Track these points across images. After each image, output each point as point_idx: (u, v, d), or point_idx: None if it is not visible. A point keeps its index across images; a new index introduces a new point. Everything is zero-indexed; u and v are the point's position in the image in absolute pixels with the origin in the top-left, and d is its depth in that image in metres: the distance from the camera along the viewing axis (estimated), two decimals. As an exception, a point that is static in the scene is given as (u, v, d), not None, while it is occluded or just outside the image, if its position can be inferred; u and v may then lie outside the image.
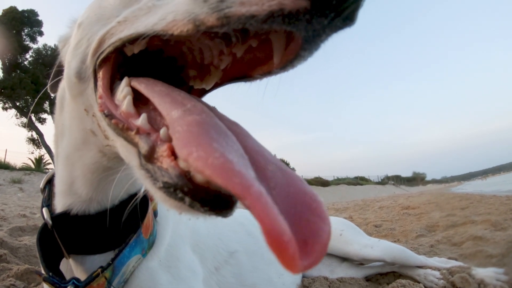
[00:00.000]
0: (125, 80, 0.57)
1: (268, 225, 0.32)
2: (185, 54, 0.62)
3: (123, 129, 0.52)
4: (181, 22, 0.43)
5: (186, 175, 0.40)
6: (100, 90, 0.60)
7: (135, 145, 0.49)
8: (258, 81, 0.58)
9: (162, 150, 0.44)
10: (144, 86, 0.54)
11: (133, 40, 0.54)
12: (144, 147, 0.46)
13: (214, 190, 0.39)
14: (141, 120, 0.50)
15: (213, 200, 0.40)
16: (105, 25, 0.62)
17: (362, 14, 0.41)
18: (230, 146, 0.40)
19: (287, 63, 0.49)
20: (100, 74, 0.62)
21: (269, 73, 0.55)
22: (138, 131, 0.49)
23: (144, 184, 0.46)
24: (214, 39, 0.51)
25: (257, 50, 0.52)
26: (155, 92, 0.52)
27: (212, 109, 0.54)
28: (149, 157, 0.45)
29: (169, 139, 0.44)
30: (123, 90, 0.56)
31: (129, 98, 0.54)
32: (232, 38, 0.48)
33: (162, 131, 0.46)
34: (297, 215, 0.37)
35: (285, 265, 0.32)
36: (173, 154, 0.42)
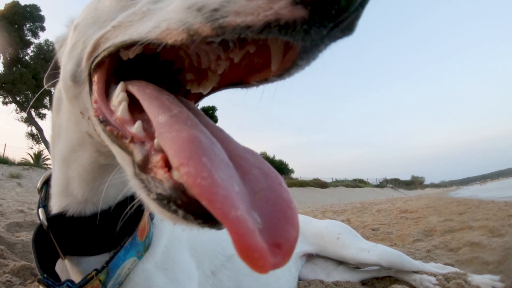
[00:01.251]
0: (120, 85, 0.56)
1: (240, 246, 0.35)
2: (182, 58, 0.62)
3: (117, 137, 0.51)
4: (175, 32, 0.42)
5: (179, 188, 0.40)
6: (95, 94, 0.60)
7: (129, 153, 0.49)
8: (254, 87, 0.58)
9: (156, 160, 0.44)
10: (136, 88, 0.54)
11: (127, 46, 0.53)
12: (138, 156, 0.46)
13: None
14: (136, 128, 0.49)
15: (207, 213, 0.39)
16: (101, 28, 0.61)
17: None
18: (217, 156, 0.41)
19: (284, 71, 0.49)
20: (95, 78, 0.61)
21: (266, 80, 0.54)
22: (133, 139, 0.49)
23: (139, 193, 0.46)
24: (211, 44, 0.51)
25: (255, 55, 0.52)
26: (145, 94, 0.52)
27: (199, 116, 0.54)
28: (143, 166, 0.45)
29: (163, 149, 0.44)
30: (118, 95, 0.55)
31: (124, 104, 0.53)
32: (229, 43, 0.47)
33: (156, 140, 0.45)
34: (274, 220, 0.40)
35: (256, 271, 0.35)
36: (167, 166, 0.42)
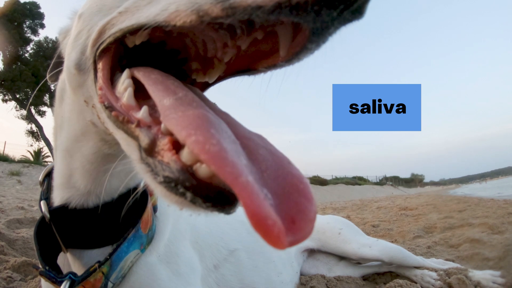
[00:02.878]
0: (126, 72, 0.56)
1: (252, 211, 0.33)
2: (188, 46, 0.61)
3: (123, 122, 0.51)
4: (183, 13, 0.42)
5: (188, 170, 0.39)
6: (100, 81, 0.59)
7: (135, 138, 0.48)
8: (262, 74, 0.57)
9: (163, 143, 0.43)
10: (141, 74, 0.54)
11: (134, 31, 0.53)
12: (144, 140, 0.45)
13: (217, 187, 0.38)
14: (142, 113, 0.49)
15: (216, 196, 0.39)
16: (106, 15, 0.61)
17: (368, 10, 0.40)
18: (224, 132, 0.41)
19: (293, 56, 0.48)
20: (100, 65, 0.61)
21: (274, 66, 0.54)
22: (139, 124, 0.48)
23: (144, 178, 0.45)
24: (219, 31, 0.50)
25: (263, 42, 0.51)
26: (150, 79, 0.52)
27: (204, 100, 0.54)
28: (150, 150, 0.44)
29: (170, 132, 0.43)
30: (124, 82, 0.55)
31: (130, 90, 0.53)
32: (237, 30, 0.46)
33: (163, 124, 0.45)
34: (285, 196, 0.38)
35: (271, 244, 0.33)
36: (175, 148, 0.42)
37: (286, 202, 0.37)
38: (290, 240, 0.34)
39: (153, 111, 0.49)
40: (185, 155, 0.40)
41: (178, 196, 0.40)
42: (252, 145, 0.45)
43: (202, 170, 0.38)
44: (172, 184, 0.40)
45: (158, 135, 0.45)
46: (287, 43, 0.47)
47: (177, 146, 0.42)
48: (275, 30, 0.47)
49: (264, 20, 0.39)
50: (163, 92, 0.48)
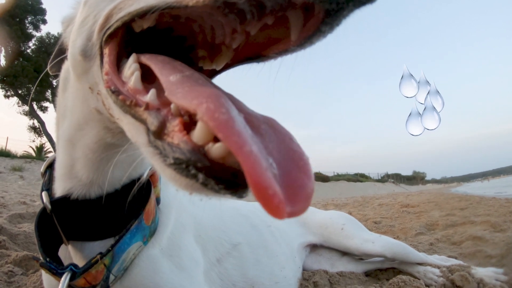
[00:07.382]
0: (133, 57, 0.55)
1: (254, 180, 0.34)
2: (196, 33, 0.60)
3: (131, 106, 0.50)
4: None
5: (199, 150, 0.38)
6: (106, 66, 0.59)
7: (143, 122, 0.47)
8: (271, 61, 0.56)
9: (174, 125, 0.42)
10: (147, 57, 0.54)
11: (143, 14, 0.51)
12: (153, 123, 0.44)
13: (231, 168, 0.37)
14: (150, 96, 0.48)
15: (229, 179, 0.38)
16: (113, 1, 0.60)
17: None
18: (231, 105, 0.41)
19: (305, 40, 0.48)
20: (107, 51, 0.60)
21: (285, 51, 0.53)
22: (147, 107, 0.47)
23: (152, 162, 0.44)
24: (228, 16, 0.49)
25: (272, 28, 0.50)
26: (157, 60, 0.52)
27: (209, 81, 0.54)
28: (159, 133, 0.43)
29: (180, 114, 0.42)
30: (130, 66, 0.54)
31: (137, 74, 0.52)
32: (247, 14, 0.45)
33: (173, 105, 0.44)
34: (287, 168, 0.40)
35: (271, 213, 0.34)
36: (186, 129, 0.41)
37: (287, 175, 0.39)
38: (289, 210, 0.35)
39: (160, 94, 0.49)
40: (196, 135, 0.39)
41: (188, 179, 0.39)
42: (255, 121, 0.45)
43: (214, 150, 0.37)
44: (182, 166, 0.39)
45: (168, 117, 0.44)
46: (299, 27, 0.47)
47: (187, 127, 0.41)
48: (286, 15, 0.46)
49: (276, 3, 0.38)
50: (169, 70, 0.48)
